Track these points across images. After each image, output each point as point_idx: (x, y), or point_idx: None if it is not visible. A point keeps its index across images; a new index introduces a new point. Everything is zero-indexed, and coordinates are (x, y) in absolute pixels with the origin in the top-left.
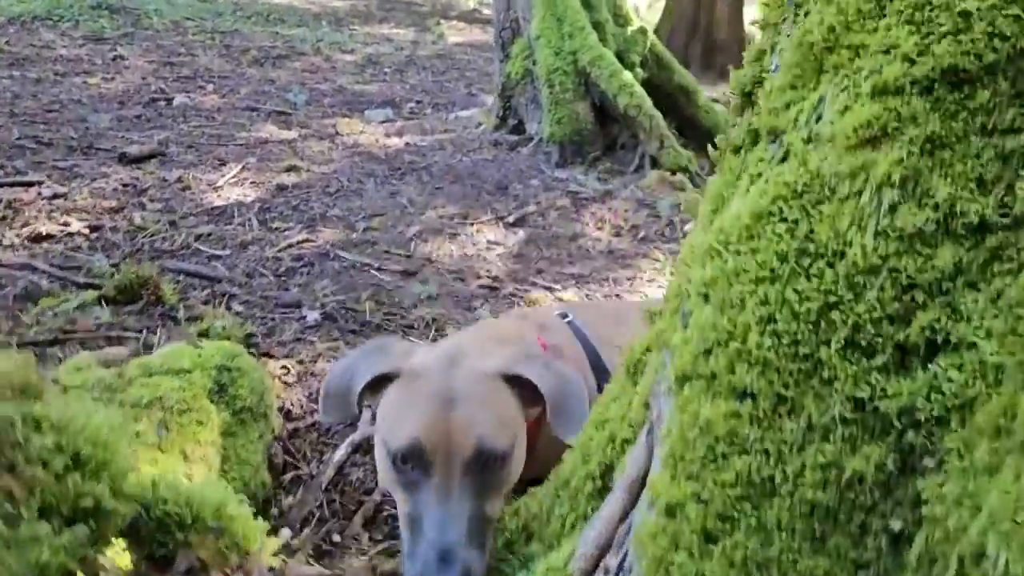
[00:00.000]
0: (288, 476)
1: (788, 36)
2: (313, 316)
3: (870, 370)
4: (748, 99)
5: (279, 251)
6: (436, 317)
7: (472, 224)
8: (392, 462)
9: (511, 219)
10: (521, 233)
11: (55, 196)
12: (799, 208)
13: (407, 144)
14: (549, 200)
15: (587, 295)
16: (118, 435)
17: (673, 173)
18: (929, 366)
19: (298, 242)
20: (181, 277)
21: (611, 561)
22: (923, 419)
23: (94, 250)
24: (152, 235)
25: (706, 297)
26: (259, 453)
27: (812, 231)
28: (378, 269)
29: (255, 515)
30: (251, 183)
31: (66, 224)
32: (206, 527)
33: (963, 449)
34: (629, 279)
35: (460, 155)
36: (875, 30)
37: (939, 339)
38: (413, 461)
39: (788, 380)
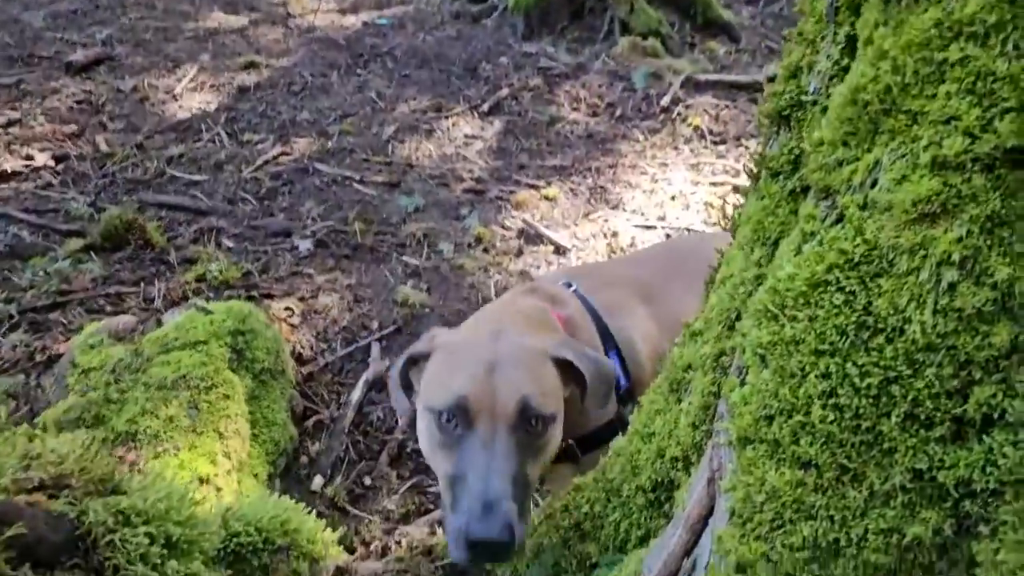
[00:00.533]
0: (310, 422)
1: (828, 57)
2: (305, 245)
3: (928, 441)
4: (785, 120)
5: (256, 170)
6: (427, 232)
7: (447, 117)
8: (436, 422)
9: (485, 107)
10: (497, 123)
11: (10, 124)
12: (856, 280)
13: (365, 24)
14: (521, 80)
15: (571, 189)
16: (199, 505)
17: (644, 38)
18: (984, 439)
19: (273, 157)
20: (164, 212)
21: None
22: (979, 490)
23: (66, 186)
24: (122, 162)
25: (763, 359)
26: (283, 410)
27: (870, 304)
28: (360, 181)
29: (287, 471)
30: (210, 87)
31: (30, 157)
32: (275, 548)
33: (1018, 523)
34: (611, 167)
35: (423, 33)
36: (934, 96)
37: (995, 414)
38: (458, 418)
39: (851, 452)
